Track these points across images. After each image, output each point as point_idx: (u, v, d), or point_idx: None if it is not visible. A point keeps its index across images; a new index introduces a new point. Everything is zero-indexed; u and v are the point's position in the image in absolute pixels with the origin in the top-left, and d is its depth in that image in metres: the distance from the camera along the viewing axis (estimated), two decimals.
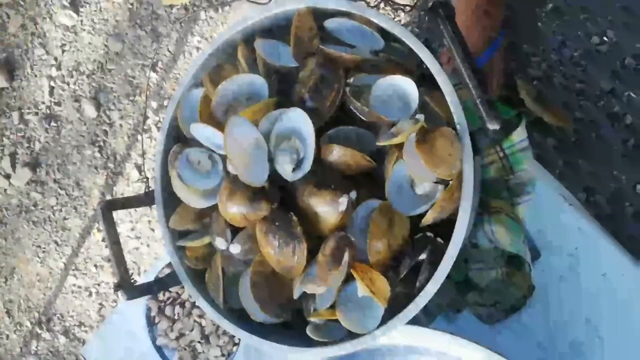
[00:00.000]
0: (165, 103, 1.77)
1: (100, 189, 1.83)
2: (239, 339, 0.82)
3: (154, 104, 1.80)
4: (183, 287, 0.86)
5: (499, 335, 0.69)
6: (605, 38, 1.14)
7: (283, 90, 0.59)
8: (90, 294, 1.80)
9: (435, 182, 0.51)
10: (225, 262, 0.60)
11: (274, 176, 0.55)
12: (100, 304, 1.78)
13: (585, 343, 0.66)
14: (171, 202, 0.63)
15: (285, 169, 0.53)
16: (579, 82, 1.15)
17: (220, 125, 0.57)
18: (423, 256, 0.51)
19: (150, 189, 0.66)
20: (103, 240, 1.79)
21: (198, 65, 0.63)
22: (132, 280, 0.60)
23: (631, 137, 1.12)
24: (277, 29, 0.62)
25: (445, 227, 0.52)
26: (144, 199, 0.65)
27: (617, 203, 1.11)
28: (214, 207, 0.59)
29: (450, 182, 0.49)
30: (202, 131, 0.58)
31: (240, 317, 0.59)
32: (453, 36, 0.46)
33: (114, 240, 0.60)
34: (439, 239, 0.52)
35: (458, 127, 0.49)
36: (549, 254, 0.68)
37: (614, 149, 1.12)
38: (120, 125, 1.84)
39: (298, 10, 0.57)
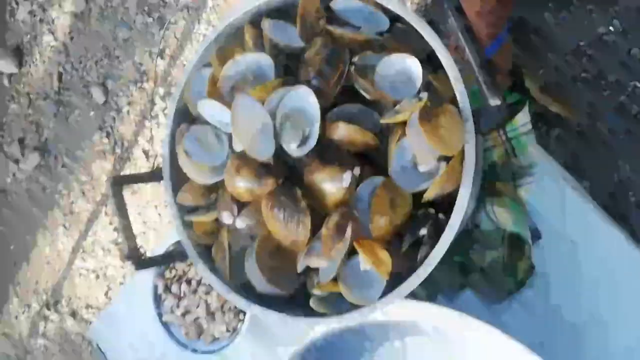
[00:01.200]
0: (172, 90, 1.78)
1: (108, 174, 1.85)
2: (244, 316, 0.84)
3: (161, 91, 1.82)
4: (190, 264, 0.88)
5: (499, 316, 0.70)
6: (611, 28, 1.14)
7: (289, 71, 0.60)
8: (98, 277, 1.82)
9: (438, 160, 0.52)
10: (231, 237, 0.61)
11: (280, 153, 0.56)
12: (108, 286, 1.80)
13: (586, 325, 0.67)
14: (179, 179, 0.65)
15: (291, 145, 0.54)
16: (585, 72, 1.15)
17: (227, 103, 0.58)
18: (424, 232, 0.53)
19: (159, 167, 0.67)
20: (110, 223, 1.82)
21: (206, 45, 0.64)
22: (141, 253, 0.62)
23: (636, 127, 1.12)
24: (283, 11, 0.63)
25: (446, 204, 0.53)
26: (153, 176, 0.66)
27: (621, 193, 1.11)
28: (221, 183, 0.60)
29: (452, 159, 0.50)
30: (209, 108, 0.60)
31: (245, 291, 0.61)
32: (458, 15, 0.47)
33: (122, 213, 0.62)
34: (440, 215, 0.53)
35: (461, 105, 0.50)
36: (550, 236, 0.68)
37: (619, 139, 1.13)
38: (128, 112, 1.86)
39: None
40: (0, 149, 2.09)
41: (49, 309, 1.91)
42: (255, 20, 0.63)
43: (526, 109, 0.68)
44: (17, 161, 2.04)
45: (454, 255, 0.68)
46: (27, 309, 1.97)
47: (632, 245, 0.67)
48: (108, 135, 1.87)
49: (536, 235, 0.68)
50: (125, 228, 0.62)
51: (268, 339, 0.85)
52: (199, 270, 0.62)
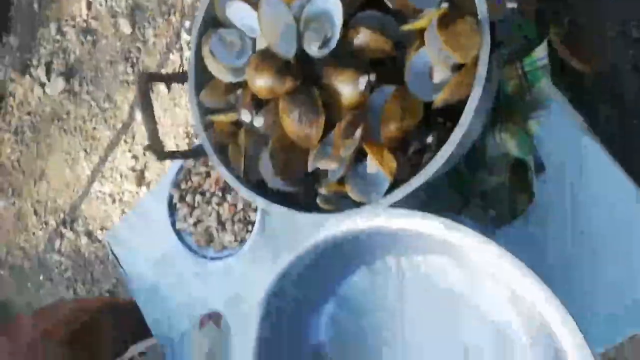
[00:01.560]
0: None
1: (130, 103, 1.89)
2: (252, 227, 0.89)
3: (187, 24, 1.83)
4: (205, 176, 0.92)
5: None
6: None
7: None
8: (114, 201, 1.89)
9: (452, 70, 0.54)
10: (248, 139, 0.65)
11: (301, 55, 0.59)
12: (123, 210, 1.87)
13: (578, 255, 0.70)
14: (203, 82, 0.68)
15: (312, 47, 0.57)
16: (610, 30, 1.15)
17: (254, 6, 0.61)
18: (430, 139, 0.55)
19: (185, 70, 0.70)
20: (129, 151, 1.87)
21: None
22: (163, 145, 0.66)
23: None
24: None
25: (455, 116, 0.55)
26: (179, 77, 0.70)
27: (633, 148, 1.12)
28: (242, 84, 0.63)
29: (465, 66, 0.52)
30: (237, 9, 0.62)
31: (257, 190, 0.65)
32: None
33: (147, 107, 0.66)
34: (448, 124, 0.55)
35: (479, 15, 0.51)
36: (553, 169, 0.70)
37: (636, 98, 1.13)
38: (154, 43, 1.88)
39: None
40: (28, 72, 2.14)
41: (65, 227, 1.99)
42: None
43: (545, 43, 0.69)
44: (43, 85, 2.09)
45: (457, 179, 0.71)
46: (44, 225, 2.05)
47: (631, 182, 0.69)
48: (133, 65, 1.90)
49: (540, 168, 0.70)
50: (149, 122, 0.66)
51: (272, 249, 0.89)
52: (215, 164, 0.65)
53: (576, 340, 0.50)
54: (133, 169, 1.85)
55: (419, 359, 0.74)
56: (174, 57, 1.84)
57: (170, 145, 1.77)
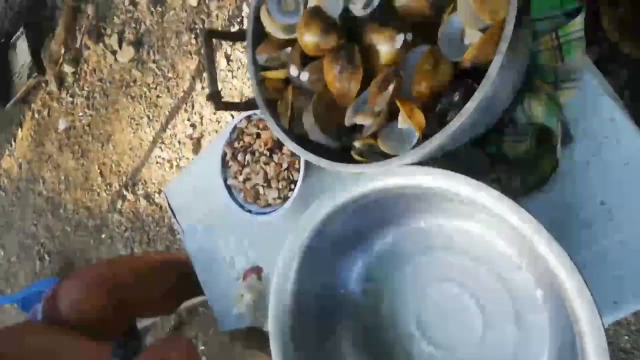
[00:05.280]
0: None
1: (192, 74, 2.01)
2: (294, 186, 0.96)
3: None
4: (256, 137, 1.00)
5: None
6: None
7: None
8: (172, 166, 2.02)
9: (482, 31, 0.59)
10: (295, 94, 0.72)
11: (346, 14, 0.65)
12: None
13: (597, 223, 0.73)
14: (259, 39, 0.75)
15: (357, 6, 0.63)
16: None
17: None
18: (457, 97, 0.60)
19: (244, 28, 0.78)
20: (188, 119, 1.99)
21: None
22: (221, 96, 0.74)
23: None
24: None
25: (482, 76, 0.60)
26: (239, 35, 0.78)
27: None
28: (293, 42, 0.70)
29: (493, 26, 0.57)
30: None
31: (301, 142, 0.72)
32: None
33: (210, 60, 0.74)
34: (475, 84, 0.60)
35: None
36: (580, 140, 0.73)
37: None
38: (217, 16, 1.98)
39: None
40: (102, 40, 2.30)
41: (127, 189, 2.15)
42: None
43: (583, 16, 0.72)
44: (114, 53, 2.25)
45: (486, 145, 0.75)
46: (108, 187, 2.22)
47: None
48: (196, 37, 2.01)
49: (568, 138, 0.73)
50: (211, 74, 0.74)
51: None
52: (265, 117, 0.73)
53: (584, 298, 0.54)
54: (191, 137, 1.97)
55: (439, 314, 0.80)
56: (235, 29, 1.94)
57: (226, 114, 1.87)
